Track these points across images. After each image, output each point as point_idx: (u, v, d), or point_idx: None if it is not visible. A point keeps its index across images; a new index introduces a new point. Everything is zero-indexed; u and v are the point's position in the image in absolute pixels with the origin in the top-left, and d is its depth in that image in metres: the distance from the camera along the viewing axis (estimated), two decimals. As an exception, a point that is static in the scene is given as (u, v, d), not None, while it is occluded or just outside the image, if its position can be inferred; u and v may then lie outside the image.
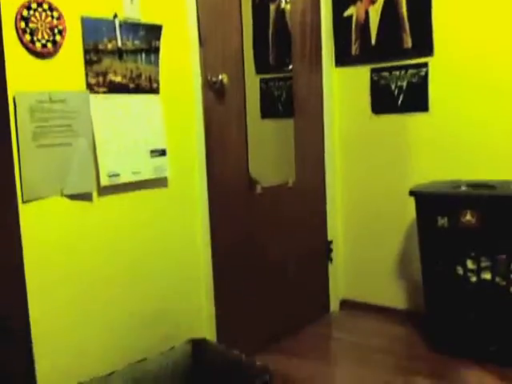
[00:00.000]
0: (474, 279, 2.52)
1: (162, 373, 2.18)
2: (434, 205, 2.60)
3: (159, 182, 2.30)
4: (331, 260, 3.33)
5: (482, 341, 2.54)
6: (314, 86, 3.19)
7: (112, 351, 2.14)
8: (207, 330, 2.53)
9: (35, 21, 1.83)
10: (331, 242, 3.33)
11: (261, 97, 2.98)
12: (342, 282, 3.39)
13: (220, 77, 2.53)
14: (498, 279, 2.46)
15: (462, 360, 2.55)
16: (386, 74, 3.08)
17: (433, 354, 2.66)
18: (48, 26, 1.87)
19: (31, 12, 1.82)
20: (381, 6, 3.03)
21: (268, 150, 3.06)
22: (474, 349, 2.56)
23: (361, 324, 3.14)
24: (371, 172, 3.21)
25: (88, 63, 2.01)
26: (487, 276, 2.48)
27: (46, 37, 1.87)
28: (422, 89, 2.95)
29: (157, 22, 2.24)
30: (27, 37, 1.81)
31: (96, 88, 2.03)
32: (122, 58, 2.12)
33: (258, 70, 2.92)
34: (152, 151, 2.24)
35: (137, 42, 2.17)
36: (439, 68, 2.89)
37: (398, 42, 2.98)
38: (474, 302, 2.54)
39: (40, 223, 1.89)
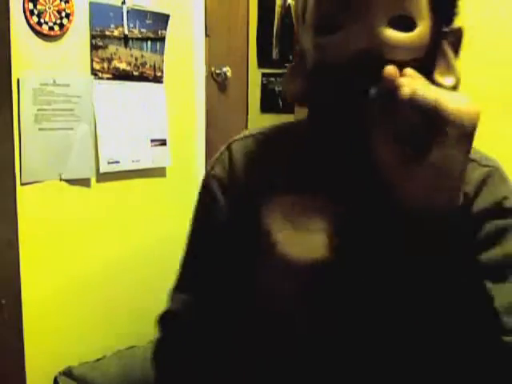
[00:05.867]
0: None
1: (149, 360, 2.19)
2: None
3: (158, 172, 2.29)
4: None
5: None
6: (316, 83, 3.18)
7: (102, 337, 2.14)
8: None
9: (43, 3, 1.82)
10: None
11: (261, 91, 2.97)
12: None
13: (224, 69, 2.53)
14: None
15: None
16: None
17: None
18: (56, 8, 1.86)
19: (40, -6, 1.81)
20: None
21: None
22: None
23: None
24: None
25: (94, 48, 1.99)
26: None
27: (54, 20, 1.85)
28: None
29: (164, 10, 2.24)
30: (34, 18, 1.80)
31: (100, 74, 2.02)
32: (128, 45, 2.11)
33: (260, 64, 2.91)
34: (153, 140, 2.23)
35: (143, 30, 2.16)
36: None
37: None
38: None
39: (37, 206, 1.89)
